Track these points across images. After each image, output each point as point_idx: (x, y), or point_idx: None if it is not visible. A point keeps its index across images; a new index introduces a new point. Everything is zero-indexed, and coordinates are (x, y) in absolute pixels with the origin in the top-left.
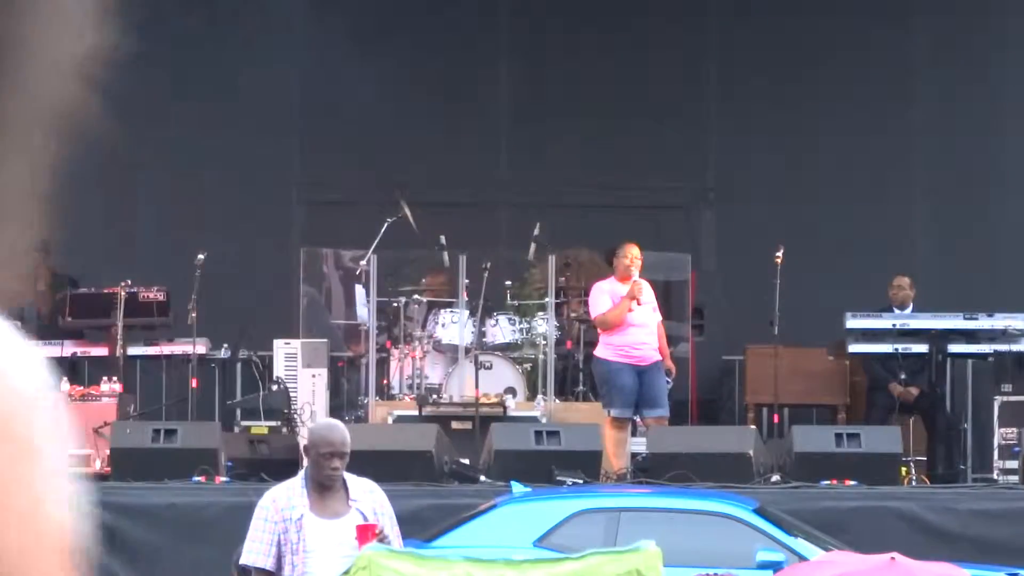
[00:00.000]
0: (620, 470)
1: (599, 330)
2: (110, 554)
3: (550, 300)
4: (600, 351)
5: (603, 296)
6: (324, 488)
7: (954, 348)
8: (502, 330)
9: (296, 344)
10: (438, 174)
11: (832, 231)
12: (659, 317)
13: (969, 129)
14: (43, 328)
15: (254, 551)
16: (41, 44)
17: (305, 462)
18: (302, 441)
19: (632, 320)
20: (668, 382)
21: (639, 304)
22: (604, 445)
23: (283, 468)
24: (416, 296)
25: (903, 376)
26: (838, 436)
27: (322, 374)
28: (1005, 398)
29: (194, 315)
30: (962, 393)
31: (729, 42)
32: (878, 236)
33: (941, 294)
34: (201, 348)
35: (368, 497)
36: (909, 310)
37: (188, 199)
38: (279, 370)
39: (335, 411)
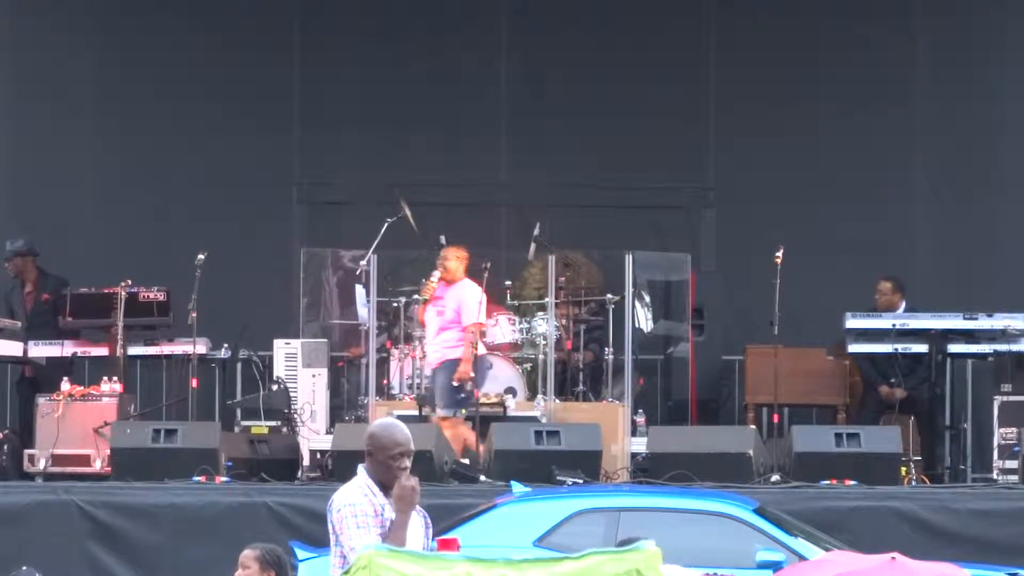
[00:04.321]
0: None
1: None
2: (110, 554)
3: (550, 300)
4: None
5: None
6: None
7: (954, 348)
8: (502, 330)
9: (296, 344)
10: (438, 174)
11: (832, 231)
12: (467, 321)
13: (969, 129)
14: (30, 328)
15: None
16: None
17: (364, 464)
18: (302, 442)
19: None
20: (455, 384)
21: (426, 304)
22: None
23: (283, 468)
24: (416, 296)
25: (893, 380)
26: (838, 436)
27: (322, 374)
28: (1005, 398)
29: (194, 315)
30: (962, 393)
31: (729, 42)
32: (878, 236)
33: (941, 294)
34: (201, 348)
35: None
36: (900, 310)
37: (188, 199)
38: (279, 370)
39: (335, 411)
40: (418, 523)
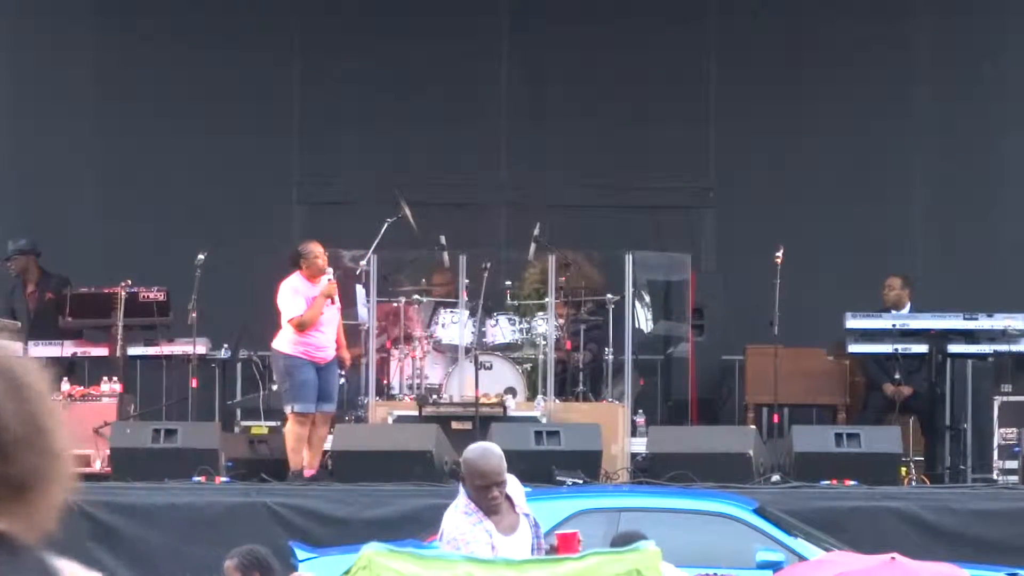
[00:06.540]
0: (297, 468)
1: (295, 328)
2: (110, 554)
3: (550, 300)
4: (281, 345)
5: (297, 297)
6: (490, 512)
7: (954, 348)
8: (502, 330)
9: None
10: (438, 174)
11: (832, 231)
12: (337, 308)
13: (969, 129)
14: (33, 328)
15: None
16: None
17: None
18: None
19: (321, 319)
20: (341, 374)
21: (333, 303)
22: (286, 441)
23: (283, 468)
24: (416, 296)
25: (897, 376)
26: (838, 436)
27: None
28: (1005, 398)
29: (194, 315)
30: (962, 393)
31: (729, 42)
32: (878, 236)
33: (941, 294)
34: (201, 348)
35: (521, 496)
36: (906, 310)
37: (188, 199)
38: None
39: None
40: (525, 528)
